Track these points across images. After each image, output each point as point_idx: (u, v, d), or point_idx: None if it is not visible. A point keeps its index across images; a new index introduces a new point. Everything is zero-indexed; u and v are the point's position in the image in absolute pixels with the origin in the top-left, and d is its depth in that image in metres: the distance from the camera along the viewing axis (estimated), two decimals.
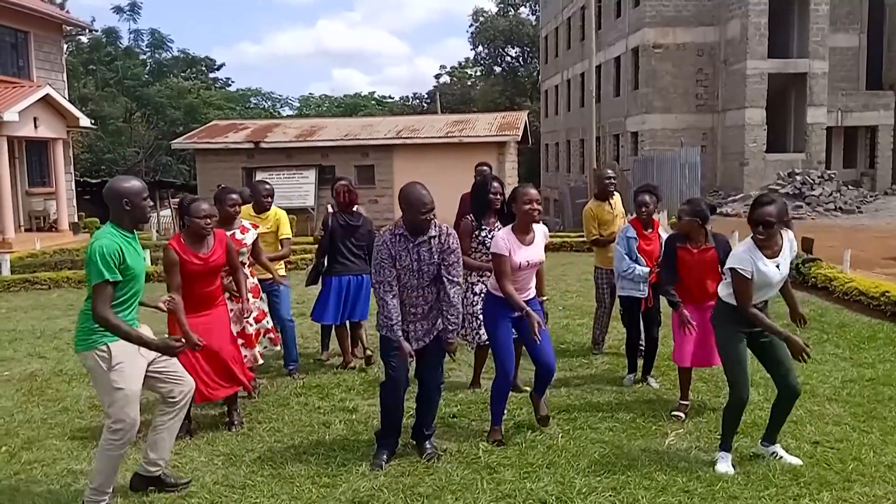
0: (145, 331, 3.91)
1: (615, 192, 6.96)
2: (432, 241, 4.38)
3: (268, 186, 6.50)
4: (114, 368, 3.73)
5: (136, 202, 3.78)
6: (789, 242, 4.29)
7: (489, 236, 5.44)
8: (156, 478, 4.10)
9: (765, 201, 4.18)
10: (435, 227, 4.39)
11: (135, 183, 3.86)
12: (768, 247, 4.21)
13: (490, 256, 4.92)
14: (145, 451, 4.08)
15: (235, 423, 5.10)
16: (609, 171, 7.15)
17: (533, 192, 4.73)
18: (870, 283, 8.99)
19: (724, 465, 4.32)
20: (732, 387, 4.38)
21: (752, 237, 4.24)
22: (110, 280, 3.64)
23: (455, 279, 4.42)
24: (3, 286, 11.77)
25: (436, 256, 4.39)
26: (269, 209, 6.43)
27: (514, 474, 4.29)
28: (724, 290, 4.36)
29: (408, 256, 4.35)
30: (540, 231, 4.85)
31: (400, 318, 4.35)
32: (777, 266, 4.23)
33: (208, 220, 4.72)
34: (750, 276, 4.15)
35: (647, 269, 5.84)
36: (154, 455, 4.05)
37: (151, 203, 3.94)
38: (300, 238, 15.07)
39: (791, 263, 4.38)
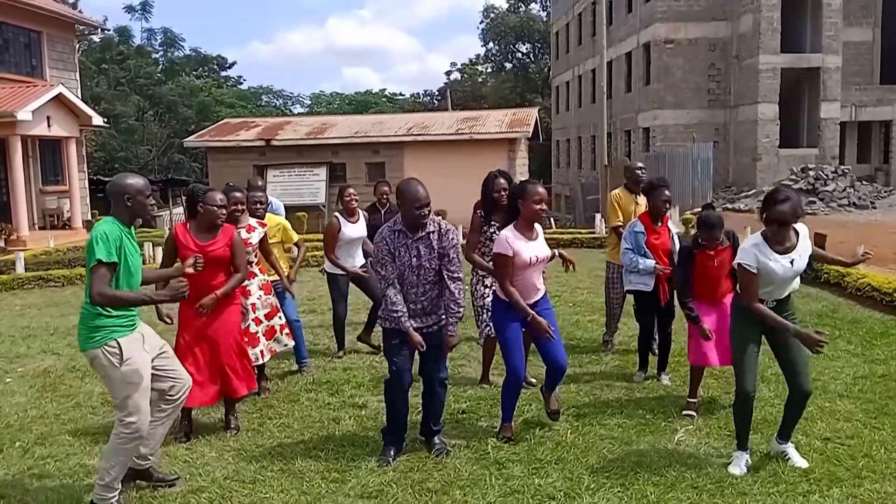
0: (146, 330, 3.98)
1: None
2: (431, 236, 4.37)
3: (259, 195, 6.02)
4: (125, 363, 3.75)
5: (137, 199, 3.82)
6: (805, 238, 4.19)
7: (495, 232, 5.44)
8: (144, 471, 4.12)
9: (780, 198, 4.03)
10: (433, 223, 4.39)
11: (138, 180, 3.88)
12: (779, 242, 4.14)
13: None
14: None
15: (232, 427, 5.01)
16: (640, 164, 7.14)
17: (542, 191, 4.69)
18: (883, 279, 8.92)
19: (737, 466, 4.27)
20: (737, 378, 4.35)
21: (762, 232, 4.19)
22: (106, 262, 3.64)
23: (456, 275, 4.42)
24: (18, 283, 11.88)
25: (435, 252, 4.38)
26: (262, 217, 5.97)
27: (522, 470, 4.30)
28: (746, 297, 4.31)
29: (407, 253, 4.33)
30: (540, 231, 4.81)
31: (405, 311, 4.33)
32: (791, 262, 4.11)
33: (223, 210, 4.76)
34: (754, 272, 4.11)
35: (652, 262, 5.79)
36: (145, 449, 4.06)
37: (153, 202, 3.95)
38: (311, 235, 15.10)
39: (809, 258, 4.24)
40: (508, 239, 4.60)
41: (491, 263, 5.11)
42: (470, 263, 5.59)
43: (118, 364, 3.74)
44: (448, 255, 4.38)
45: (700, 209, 5.35)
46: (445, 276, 4.40)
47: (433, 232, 4.38)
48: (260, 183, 6.93)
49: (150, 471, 4.14)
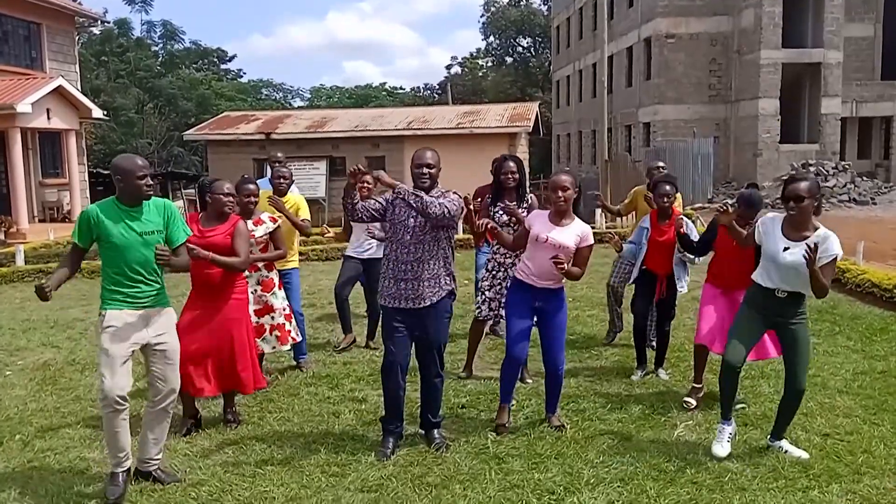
0: (168, 315, 4.09)
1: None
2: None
3: (284, 171, 6.33)
4: (103, 331, 3.90)
5: (127, 180, 3.89)
6: (822, 241, 4.11)
7: (502, 214, 5.69)
8: (149, 473, 4.14)
9: (797, 178, 4.21)
10: (438, 190, 4.53)
11: (130, 162, 3.92)
12: (792, 226, 4.21)
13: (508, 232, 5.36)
14: (138, 447, 4.15)
15: (230, 420, 5.01)
16: (660, 163, 7.09)
17: (562, 179, 4.71)
18: (883, 275, 8.93)
19: (719, 443, 4.39)
20: (725, 349, 4.47)
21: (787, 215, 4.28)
22: (74, 241, 3.99)
23: (434, 200, 4.38)
24: (18, 276, 11.86)
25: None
26: (285, 193, 6.27)
27: (522, 464, 4.31)
28: (757, 271, 4.42)
29: (404, 211, 4.44)
30: (578, 226, 4.74)
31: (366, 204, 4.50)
32: (785, 248, 4.18)
33: (230, 198, 4.82)
34: (755, 236, 4.37)
35: (630, 246, 6.03)
36: (140, 453, 4.12)
37: (150, 183, 3.98)
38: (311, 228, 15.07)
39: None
40: (534, 214, 4.95)
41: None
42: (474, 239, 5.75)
43: (99, 330, 3.94)
44: (442, 198, 4.44)
45: (745, 187, 5.37)
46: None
47: (437, 197, 4.46)
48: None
49: (154, 473, 4.14)
